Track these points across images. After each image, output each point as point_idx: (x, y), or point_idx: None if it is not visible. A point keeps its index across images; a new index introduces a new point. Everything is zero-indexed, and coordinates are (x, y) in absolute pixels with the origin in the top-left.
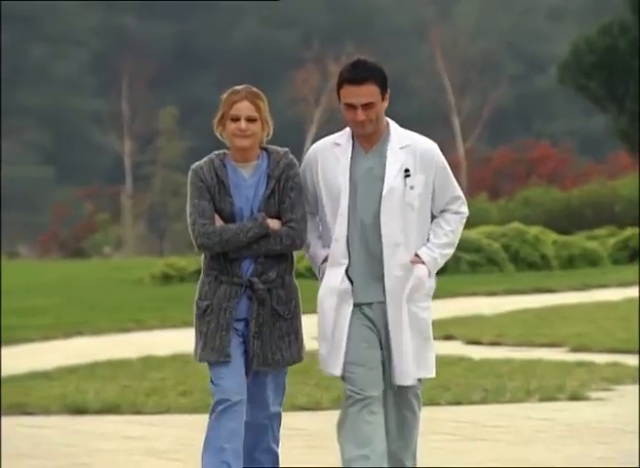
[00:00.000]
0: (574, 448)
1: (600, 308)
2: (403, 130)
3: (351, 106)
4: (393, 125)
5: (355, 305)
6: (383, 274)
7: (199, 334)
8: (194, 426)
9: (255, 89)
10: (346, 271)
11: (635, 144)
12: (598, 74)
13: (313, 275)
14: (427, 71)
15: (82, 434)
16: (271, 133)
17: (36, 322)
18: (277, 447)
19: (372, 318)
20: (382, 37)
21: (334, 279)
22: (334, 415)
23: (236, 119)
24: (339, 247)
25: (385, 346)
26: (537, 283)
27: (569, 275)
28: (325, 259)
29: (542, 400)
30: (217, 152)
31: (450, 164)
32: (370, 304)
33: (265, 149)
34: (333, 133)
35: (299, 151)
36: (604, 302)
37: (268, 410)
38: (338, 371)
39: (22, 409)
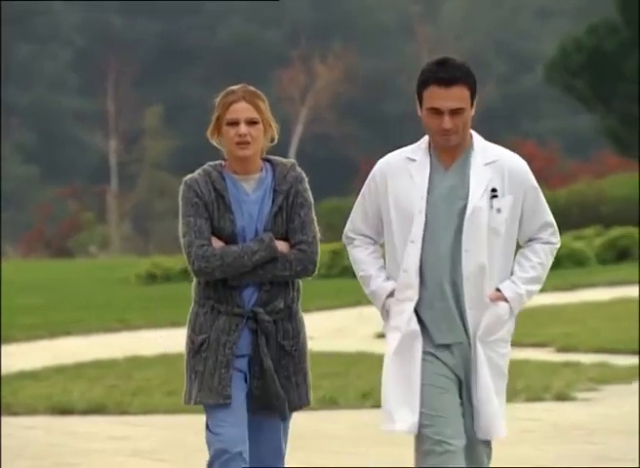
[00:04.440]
0: (561, 447)
1: (587, 308)
2: (488, 143)
3: (437, 112)
4: (477, 137)
5: (428, 348)
6: (463, 311)
7: (194, 374)
8: (180, 426)
9: (253, 88)
10: (418, 308)
11: (623, 144)
12: (585, 74)
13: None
14: (415, 70)
15: (68, 434)
16: (276, 137)
17: (23, 321)
18: None
19: (449, 362)
20: (369, 35)
21: (400, 317)
22: (318, 415)
23: (234, 123)
24: (408, 279)
25: (467, 394)
26: None
27: (556, 275)
28: (391, 294)
29: (529, 400)
30: (212, 163)
31: None
32: (448, 346)
33: (269, 161)
34: (318, 133)
35: (285, 150)
36: (591, 302)
37: (264, 463)
38: (410, 427)
39: (9, 410)
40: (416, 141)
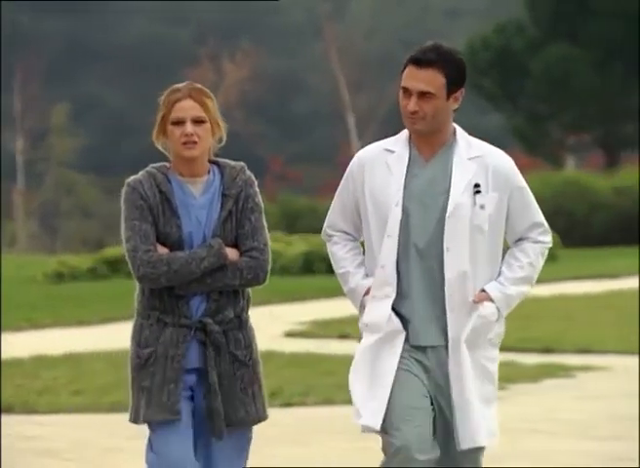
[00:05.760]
0: None
1: None
2: (473, 138)
3: (406, 92)
4: (461, 132)
5: (405, 348)
6: (444, 311)
7: (140, 390)
8: (89, 426)
9: (199, 85)
10: (394, 306)
11: (529, 143)
12: (493, 72)
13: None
14: (323, 69)
15: None
16: (225, 138)
17: None
18: None
19: (426, 365)
20: (278, 34)
21: (377, 314)
22: None
23: (180, 122)
24: (384, 275)
25: (445, 402)
26: None
27: None
28: (368, 292)
29: None
30: (155, 165)
31: (345, 163)
32: (424, 348)
33: (216, 163)
34: (226, 131)
35: None
36: None
37: None
38: (376, 424)
39: None
40: (320, 140)
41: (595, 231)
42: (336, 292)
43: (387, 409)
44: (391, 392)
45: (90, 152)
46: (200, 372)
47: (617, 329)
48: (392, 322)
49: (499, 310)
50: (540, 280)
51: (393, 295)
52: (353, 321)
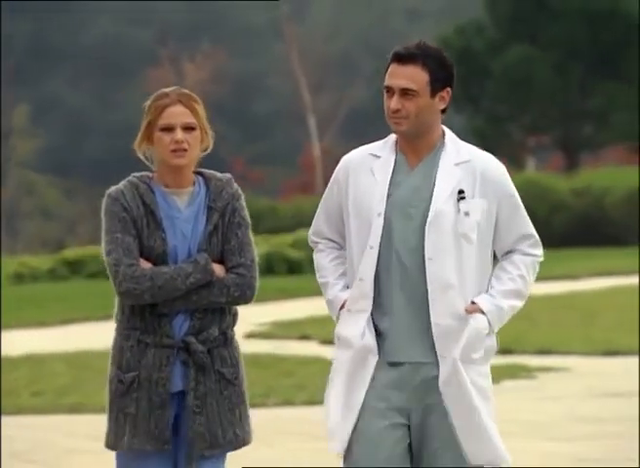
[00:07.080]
0: None
1: None
2: (462, 142)
3: (389, 91)
4: (450, 134)
5: (382, 365)
6: (428, 325)
7: (123, 415)
8: (49, 427)
9: (187, 90)
10: (374, 321)
11: (491, 144)
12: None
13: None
14: (284, 70)
15: None
16: (211, 146)
17: None
18: None
19: (405, 384)
20: (239, 35)
21: (350, 329)
22: None
23: (169, 129)
24: (362, 288)
25: (431, 424)
26: None
27: None
28: (344, 305)
29: None
30: (137, 174)
31: (306, 164)
32: (402, 364)
33: (201, 174)
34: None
35: None
36: None
37: None
38: (339, 447)
39: None
40: (281, 141)
41: (555, 232)
42: (296, 293)
43: (353, 435)
44: (361, 417)
45: (50, 153)
46: (183, 395)
47: (577, 330)
48: (366, 338)
49: (490, 323)
50: None
51: (369, 310)
52: (314, 322)
